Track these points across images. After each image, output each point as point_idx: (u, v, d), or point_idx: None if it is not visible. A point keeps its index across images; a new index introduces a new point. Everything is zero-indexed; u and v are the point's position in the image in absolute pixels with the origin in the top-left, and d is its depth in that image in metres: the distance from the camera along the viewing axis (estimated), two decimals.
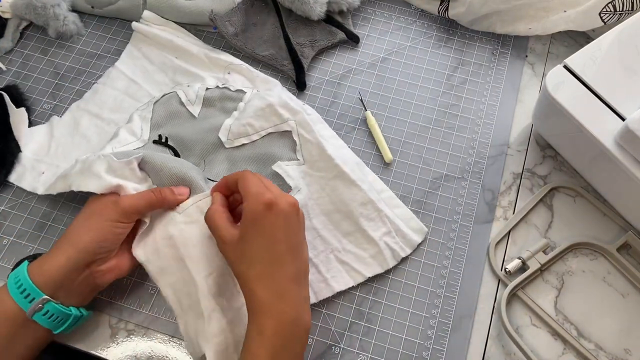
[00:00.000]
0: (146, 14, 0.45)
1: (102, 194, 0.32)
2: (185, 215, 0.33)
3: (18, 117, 0.39)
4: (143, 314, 0.35)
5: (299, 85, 0.43)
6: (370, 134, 0.42)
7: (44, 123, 0.42)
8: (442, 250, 0.37)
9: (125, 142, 0.37)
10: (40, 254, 0.32)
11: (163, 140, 0.37)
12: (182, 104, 0.39)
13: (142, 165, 0.34)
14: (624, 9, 0.41)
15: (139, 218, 0.33)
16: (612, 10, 0.41)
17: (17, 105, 0.41)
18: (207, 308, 0.31)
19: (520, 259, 0.36)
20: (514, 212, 0.39)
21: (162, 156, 0.35)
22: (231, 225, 0.30)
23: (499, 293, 0.36)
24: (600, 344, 0.35)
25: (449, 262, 0.37)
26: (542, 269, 0.37)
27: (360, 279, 0.35)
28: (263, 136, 0.38)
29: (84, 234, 0.31)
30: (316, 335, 0.35)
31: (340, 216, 0.37)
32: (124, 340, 0.35)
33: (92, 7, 0.46)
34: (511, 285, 0.35)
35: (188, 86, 0.40)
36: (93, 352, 0.34)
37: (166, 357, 0.34)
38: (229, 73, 0.42)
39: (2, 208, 0.39)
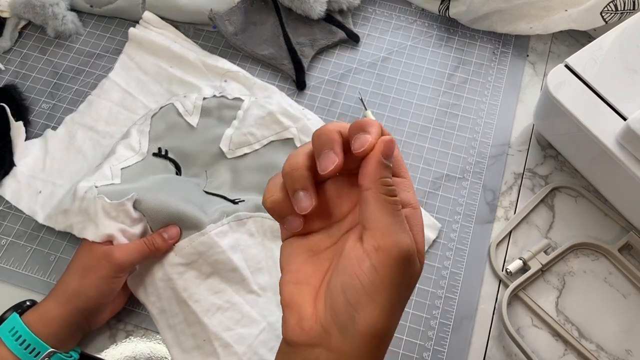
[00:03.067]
0: (147, 15, 0.44)
1: (93, 243, 0.32)
2: (181, 257, 0.33)
3: (16, 130, 0.39)
4: (142, 314, 0.35)
5: (299, 84, 0.43)
6: None
7: (41, 122, 0.42)
8: (443, 250, 0.37)
9: (124, 158, 0.36)
10: (23, 304, 0.32)
11: (163, 152, 0.37)
12: (179, 115, 0.38)
13: (137, 205, 0.33)
14: (626, 8, 0.41)
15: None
16: (614, 9, 0.41)
17: (17, 105, 0.41)
18: (220, 344, 0.31)
19: (521, 259, 0.36)
20: (515, 212, 0.39)
21: (156, 197, 0.33)
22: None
23: (500, 294, 0.36)
24: (601, 345, 0.35)
25: (450, 263, 0.37)
26: (543, 270, 0.36)
27: None
28: (265, 145, 0.38)
29: (83, 293, 0.30)
30: None
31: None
32: (123, 341, 0.34)
33: (91, 6, 0.46)
34: (512, 285, 0.35)
35: (184, 97, 0.39)
36: (92, 353, 0.34)
37: (165, 357, 0.34)
38: (225, 81, 0.42)
39: (1, 208, 0.38)
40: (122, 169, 0.35)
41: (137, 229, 0.33)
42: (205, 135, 0.38)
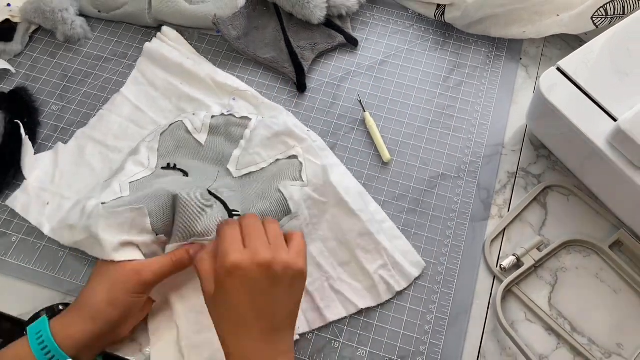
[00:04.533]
0: (165, 29, 0.45)
1: (118, 262, 0.32)
2: None
3: (25, 146, 0.39)
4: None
5: (299, 87, 0.44)
6: (369, 135, 0.43)
7: (51, 124, 0.43)
8: (439, 247, 0.38)
9: (132, 174, 0.36)
10: (56, 307, 0.33)
11: (172, 166, 0.37)
12: (188, 132, 0.39)
13: (144, 211, 0.33)
14: (616, 13, 0.42)
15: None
16: (604, 14, 0.42)
17: (27, 106, 0.42)
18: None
19: (515, 255, 0.37)
20: (508, 210, 0.40)
21: (160, 198, 0.34)
22: (212, 276, 0.29)
23: (494, 289, 0.37)
24: (593, 339, 0.35)
25: (446, 259, 0.38)
26: (537, 266, 0.37)
27: (353, 310, 0.35)
28: (271, 163, 0.38)
29: (109, 309, 0.31)
30: (316, 330, 0.36)
31: (337, 244, 0.37)
32: (131, 335, 0.35)
33: (99, 11, 0.47)
34: (506, 281, 0.36)
35: (194, 114, 0.40)
36: (108, 350, 0.35)
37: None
38: (234, 99, 0.42)
39: (11, 207, 0.40)
40: (130, 182, 0.35)
41: (147, 237, 0.33)
42: (213, 153, 0.39)
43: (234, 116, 0.40)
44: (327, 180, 0.37)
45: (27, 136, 0.40)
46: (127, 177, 0.36)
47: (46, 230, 0.37)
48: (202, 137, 0.39)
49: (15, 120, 0.40)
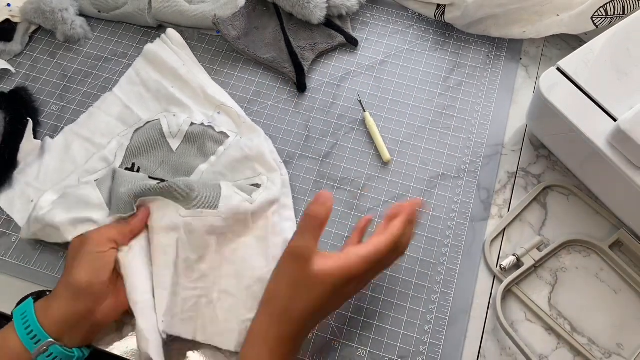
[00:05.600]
0: (170, 32, 0.45)
1: (74, 240, 0.33)
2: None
3: (29, 144, 0.40)
4: None
5: (299, 87, 0.44)
6: (369, 135, 0.43)
7: (51, 123, 0.43)
8: (439, 247, 0.38)
9: (94, 171, 0.37)
10: (46, 292, 0.34)
11: (135, 170, 0.37)
12: (162, 135, 0.39)
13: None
14: (615, 13, 0.42)
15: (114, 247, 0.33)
16: (604, 14, 0.42)
17: (27, 106, 0.42)
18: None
19: (515, 255, 0.37)
20: (508, 210, 0.40)
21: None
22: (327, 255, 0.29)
23: (494, 289, 0.37)
24: (593, 339, 0.35)
25: (446, 259, 0.38)
26: (536, 266, 0.37)
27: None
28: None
29: (77, 275, 0.31)
30: (316, 329, 0.36)
31: (233, 272, 0.35)
32: (130, 334, 0.35)
33: (99, 11, 0.47)
34: (506, 281, 0.36)
35: (174, 115, 0.39)
36: (99, 346, 0.35)
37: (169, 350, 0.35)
38: (218, 113, 0.42)
39: None
40: (87, 181, 0.36)
41: (100, 213, 0.35)
42: (181, 161, 0.38)
43: (213, 129, 0.40)
44: (267, 216, 0.36)
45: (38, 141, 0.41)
46: (89, 173, 0.37)
47: (23, 233, 0.37)
48: (175, 143, 0.39)
49: (26, 119, 0.40)
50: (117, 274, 0.33)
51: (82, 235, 0.33)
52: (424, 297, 0.37)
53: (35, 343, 0.30)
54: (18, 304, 0.32)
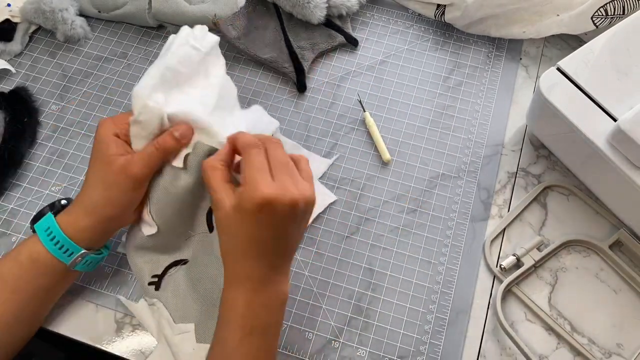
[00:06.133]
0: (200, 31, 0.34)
1: (110, 156, 0.30)
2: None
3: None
4: None
5: (299, 87, 0.44)
6: (369, 135, 0.43)
7: (51, 123, 0.43)
8: (439, 247, 0.38)
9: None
10: (57, 203, 0.34)
11: None
12: None
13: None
14: (615, 13, 0.42)
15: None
16: (604, 14, 0.42)
17: (27, 106, 0.42)
18: None
19: (515, 255, 0.37)
20: (508, 210, 0.40)
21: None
22: (227, 189, 0.28)
23: (494, 289, 0.37)
24: (593, 339, 0.35)
25: (446, 259, 0.38)
26: (536, 266, 0.37)
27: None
28: None
29: (108, 205, 0.31)
30: (316, 330, 0.36)
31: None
32: (129, 334, 0.35)
33: (99, 11, 0.47)
34: (506, 281, 0.36)
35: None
36: (99, 346, 0.35)
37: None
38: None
39: (11, 206, 0.40)
40: None
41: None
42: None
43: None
44: None
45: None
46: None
47: None
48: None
49: (26, 119, 0.40)
50: (136, 181, 0.31)
51: (121, 161, 0.30)
52: (424, 297, 0.37)
53: (69, 255, 0.31)
54: (35, 218, 0.32)
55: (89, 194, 0.31)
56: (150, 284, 0.35)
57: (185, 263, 0.35)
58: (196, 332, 0.33)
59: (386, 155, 0.41)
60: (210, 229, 0.35)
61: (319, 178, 0.41)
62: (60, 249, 0.31)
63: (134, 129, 0.31)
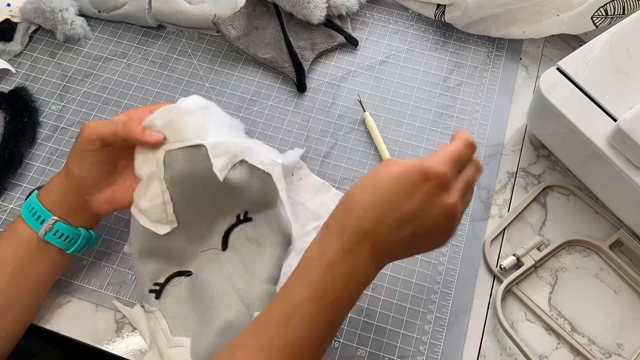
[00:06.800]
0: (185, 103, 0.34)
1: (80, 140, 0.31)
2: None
3: None
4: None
5: (299, 87, 0.44)
6: (369, 135, 0.43)
7: (51, 123, 0.43)
8: None
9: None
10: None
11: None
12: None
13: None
14: (616, 13, 0.42)
15: (104, 145, 0.31)
16: (604, 14, 0.42)
17: (27, 106, 0.42)
18: None
19: (515, 255, 0.37)
20: (508, 210, 0.40)
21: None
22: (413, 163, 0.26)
23: (494, 289, 0.37)
24: (593, 339, 0.35)
25: (446, 259, 0.38)
26: (536, 266, 0.37)
27: None
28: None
29: (70, 164, 0.32)
30: None
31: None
32: (129, 334, 0.35)
33: (99, 11, 0.47)
34: (506, 281, 0.36)
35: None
36: (99, 346, 0.35)
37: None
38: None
39: (11, 206, 0.40)
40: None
41: None
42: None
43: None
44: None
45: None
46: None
47: None
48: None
49: (26, 119, 0.40)
50: (116, 171, 0.33)
51: (85, 125, 0.31)
52: (424, 297, 0.37)
53: (41, 223, 0.31)
54: (26, 199, 0.33)
55: (65, 168, 0.33)
56: (151, 291, 0.34)
57: (189, 275, 0.35)
58: (192, 348, 0.32)
59: (386, 155, 0.41)
60: (224, 247, 0.35)
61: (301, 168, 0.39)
62: (33, 216, 0.31)
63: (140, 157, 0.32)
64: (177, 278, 0.35)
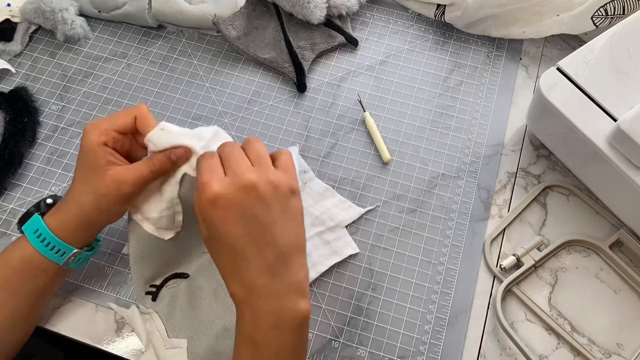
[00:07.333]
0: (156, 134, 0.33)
1: (100, 166, 0.30)
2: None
3: None
4: None
5: (299, 87, 0.44)
6: (369, 135, 0.43)
7: (51, 123, 0.43)
8: (439, 247, 0.38)
9: None
10: (42, 203, 0.33)
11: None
12: None
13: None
14: (615, 13, 0.42)
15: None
16: (604, 14, 0.42)
17: (27, 106, 0.42)
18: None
19: (515, 255, 0.37)
20: (508, 210, 0.40)
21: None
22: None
23: (494, 289, 0.37)
24: (593, 339, 0.35)
25: (446, 259, 0.38)
26: (536, 266, 0.37)
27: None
28: None
29: (94, 214, 0.31)
30: (316, 330, 0.36)
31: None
32: (129, 334, 0.35)
33: (99, 11, 0.47)
34: (506, 281, 0.36)
35: None
36: (99, 346, 0.35)
37: None
38: None
39: (11, 206, 0.40)
40: None
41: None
42: None
43: None
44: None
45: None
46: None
47: None
48: None
49: (26, 119, 0.40)
50: (126, 197, 0.31)
51: (112, 175, 0.30)
52: (424, 297, 0.37)
53: (61, 255, 0.31)
54: (22, 219, 0.32)
55: (78, 200, 0.31)
56: (147, 293, 0.34)
57: (186, 277, 0.35)
58: (188, 349, 0.33)
59: (386, 156, 0.41)
60: None
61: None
62: (51, 250, 0.30)
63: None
64: (174, 280, 0.35)
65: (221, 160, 0.27)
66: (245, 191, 0.25)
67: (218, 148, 0.28)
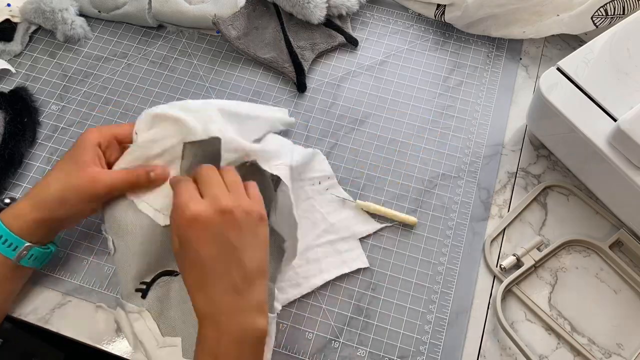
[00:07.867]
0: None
1: (83, 163, 0.31)
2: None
3: None
4: None
5: (299, 87, 0.44)
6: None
7: (51, 123, 0.43)
8: (439, 247, 0.38)
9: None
10: (2, 202, 0.35)
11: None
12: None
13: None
14: (615, 13, 0.42)
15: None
16: (604, 14, 0.42)
17: (27, 106, 0.42)
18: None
19: (515, 255, 0.37)
20: (508, 210, 0.40)
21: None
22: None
23: (494, 289, 0.37)
24: (593, 339, 0.35)
25: (446, 259, 0.38)
26: (536, 266, 0.37)
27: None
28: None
29: (57, 206, 0.31)
30: (316, 330, 0.36)
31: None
32: None
33: (99, 11, 0.47)
34: (506, 281, 0.36)
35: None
36: (99, 346, 0.35)
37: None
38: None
39: None
40: None
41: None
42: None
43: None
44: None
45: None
46: None
47: None
48: None
49: (26, 119, 0.40)
50: (96, 196, 0.32)
51: (91, 172, 0.31)
52: (424, 297, 0.37)
53: (13, 250, 0.31)
54: None
55: (44, 189, 0.31)
56: (137, 290, 0.34)
57: (177, 275, 0.35)
58: (183, 347, 0.32)
59: (411, 219, 0.38)
60: None
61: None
62: (4, 243, 0.31)
63: (136, 152, 0.32)
64: (164, 277, 0.35)
65: (197, 182, 0.29)
66: (222, 214, 0.28)
67: (193, 172, 0.30)
